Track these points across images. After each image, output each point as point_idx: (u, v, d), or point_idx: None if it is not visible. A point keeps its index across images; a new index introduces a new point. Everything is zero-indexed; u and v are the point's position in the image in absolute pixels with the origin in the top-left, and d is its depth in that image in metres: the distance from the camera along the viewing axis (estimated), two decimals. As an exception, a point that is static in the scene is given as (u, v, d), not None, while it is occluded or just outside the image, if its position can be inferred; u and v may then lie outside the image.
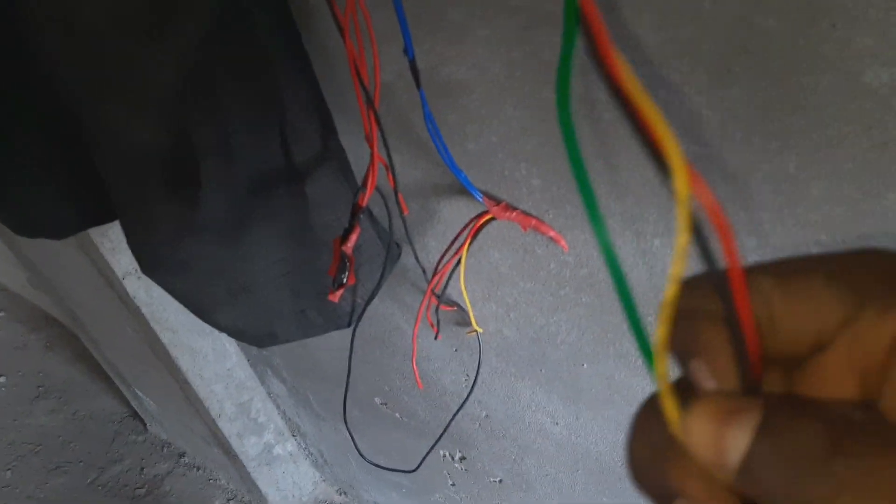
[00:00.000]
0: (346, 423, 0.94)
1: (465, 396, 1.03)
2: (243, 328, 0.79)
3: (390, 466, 1.48)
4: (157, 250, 0.66)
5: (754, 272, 0.20)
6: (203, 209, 0.66)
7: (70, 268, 1.37)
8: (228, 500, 1.97)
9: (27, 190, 0.65)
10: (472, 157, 0.67)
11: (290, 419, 1.70)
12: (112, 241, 1.15)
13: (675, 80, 0.48)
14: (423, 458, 0.97)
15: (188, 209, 0.64)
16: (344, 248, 0.62)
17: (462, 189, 0.72)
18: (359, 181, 0.72)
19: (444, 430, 0.95)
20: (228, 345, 1.47)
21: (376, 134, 0.60)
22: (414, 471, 1.01)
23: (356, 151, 0.76)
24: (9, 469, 2.16)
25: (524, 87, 0.58)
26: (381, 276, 0.79)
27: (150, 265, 0.67)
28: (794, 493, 0.16)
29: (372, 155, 0.62)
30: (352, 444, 1.53)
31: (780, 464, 0.17)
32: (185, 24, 0.46)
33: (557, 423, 0.91)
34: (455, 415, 0.94)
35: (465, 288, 0.79)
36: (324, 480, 1.92)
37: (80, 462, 2.14)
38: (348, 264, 0.62)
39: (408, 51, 0.57)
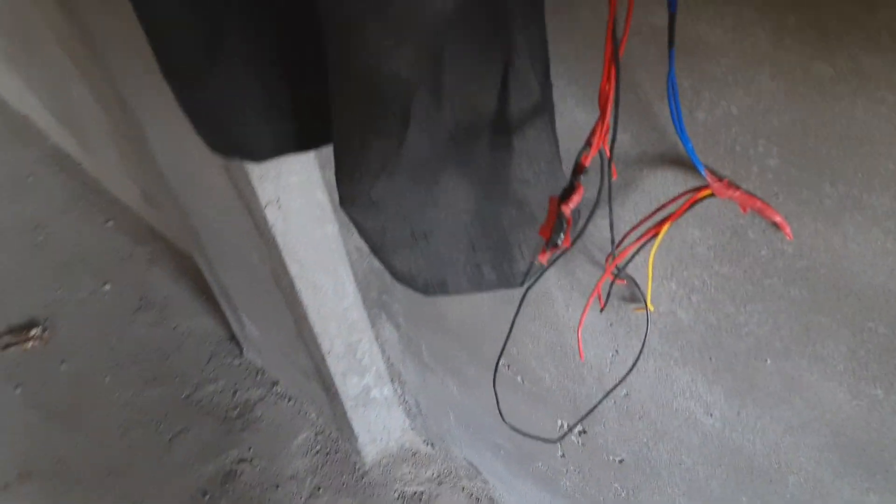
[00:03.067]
0: (494, 383, 0.91)
1: (606, 371, 1.00)
2: (416, 273, 0.76)
3: (496, 430, 1.47)
4: (357, 185, 0.64)
5: None
6: (406, 149, 0.63)
7: (206, 188, 1.38)
8: (317, 433, 2.00)
9: (238, 105, 0.64)
10: (698, 126, 0.62)
11: (392, 365, 1.69)
12: (261, 169, 1.14)
13: None
14: (566, 432, 0.93)
15: (394, 146, 0.61)
16: (563, 207, 0.58)
17: (675, 160, 0.68)
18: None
19: (592, 407, 0.92)
20: (348, 285, 1.47)
21: (613, 90, 0.56)
22: (556, 441, 0.98)
23: (565, 111, 0.72)
24: (108, 374, 2.23)
25: (790, 56, 0.53)
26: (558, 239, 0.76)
27: (348, 199, 0.65)
28: None
29: (604, 112, 0.57)
30: (455, 399, 1.52)
31: None
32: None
33: (711, 415, 0.87)
34: (612, 389, 0.90)
35: (654, 264, 0.74)
36: (412, 429, 1.93)
37: (176, 377, 2.19)
38: (566, 226, 0.58)
39: (671, 2, 0.53)
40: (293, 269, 1.32)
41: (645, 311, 0.82)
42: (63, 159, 3.05)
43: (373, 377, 1.72)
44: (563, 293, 0.95)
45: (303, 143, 0.70)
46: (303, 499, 1.87)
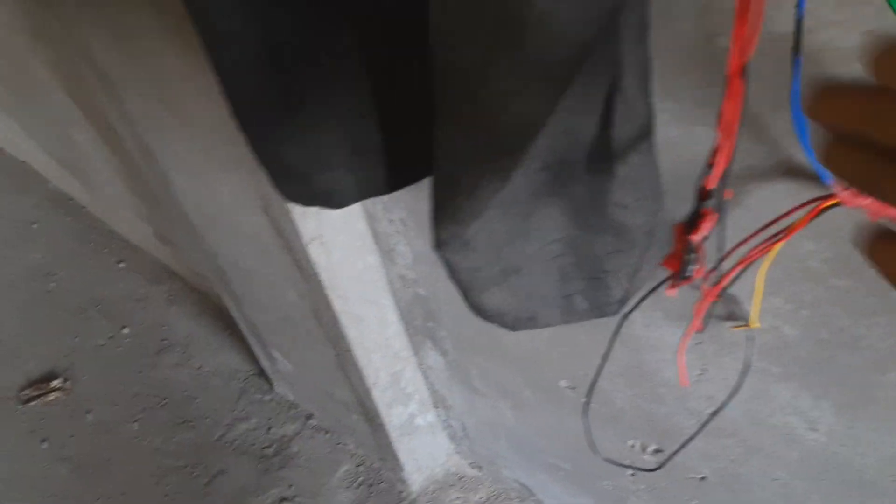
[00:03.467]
0: (585, 414, 0.86)
1: (690, 391, 0.96)
2: (506, 311, 0.72)
3: (552, 451, 1.42)
4: (457, 227, 0.59)
5: None
6: (510, 185, 0.59)
7: (240, 229, 1.33)
8: (357, 465, 1.95)
9: (322, 156, 0.59)
10: (816, 135, 0.58)
11: (436, 391, 1.65)
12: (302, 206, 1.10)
13: None
14: (670, 457, 0.89)
15: (501, 184, 0.57)
16: (692, 237, 0.53)
17: (788, 172, 0.63)
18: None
19: (693, 434, 0.87)
20: (390, 314, 1.42)
21: (740, 105, 0.51)
22: (654, 470, 0.94)
23: (659, 127, 0.68)
24: (136, 421, 2.17)
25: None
26: (654, 262, 0.72)
27: (444, 241, 0.61)
28: None
29: (729, 133, 0.53)
30: (508, 421, 1.47)
31: None
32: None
33: (816, 430, 0.83)
34: (715, 412, 0.86)
35: (765, 280, 0.70)
36: (457, 453, 1.88)
37: (207, 418, 2.14)
38: (696, 256, 0.54)
39: (800, 3, 0.48)
40: (337, 304, 1.28)
41: (745, 330, 0.78)
42: (66, 203, 2.99)
43: (416, 405, 1.67)
44: (642, 313, 0.91)
45: (388, 186, 0.66)
46: (351, 533, 1.82)
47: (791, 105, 0.54)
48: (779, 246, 0.65)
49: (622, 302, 0.74)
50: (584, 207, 0.66)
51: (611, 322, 0.97)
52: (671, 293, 0.59)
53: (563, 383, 1.19)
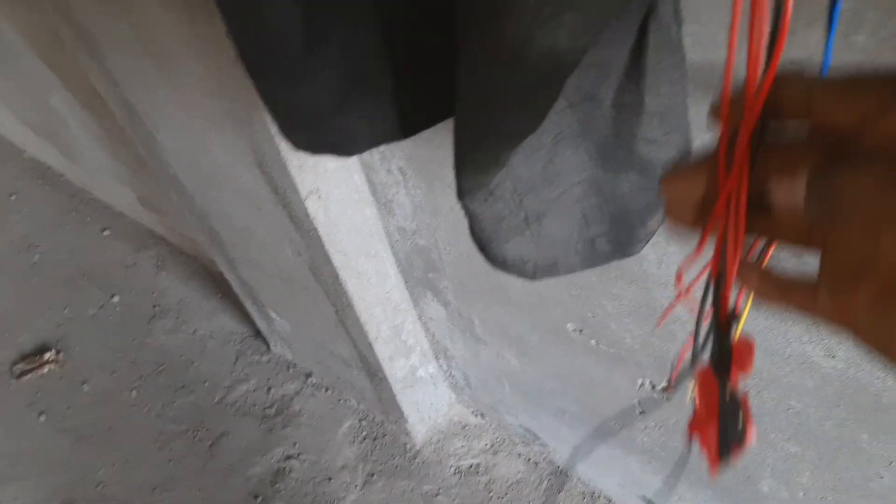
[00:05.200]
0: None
1: (704, 325, 0.95)
2: (527, 259, 0.70)
3: (559, 394, 1.42)
4: (481, 175, 0.57)
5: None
6: (532, 129, 0.57)
7: (231, 186, 1.30)
8: (361, 420, 1.95)
9: (336, 101, 0.57)
10: (856, 51, 0.56)
11: (437, 342, 1.64)
12: (300, 159, 1.07)
13: None
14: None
15: (532, 128, 0.55)
16: (732, 385, 0.39)
17: None
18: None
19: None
20: (389, 267, 1.41)
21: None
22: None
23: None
24: (133, 389, 2.16)
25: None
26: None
27: (468, 190, 0.59)
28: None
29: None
30: (513, 368, 1.47)
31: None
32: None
33: (834, 357, 0.83)
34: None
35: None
36: (459, 402, 1.89)
37: (205, 381, 2.13)
38: (742, 419, 0.39)
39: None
40: (336, 259, 1.26)
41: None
42: (45, 172, 2.93)
43: (418, 357, 1.67)
44: (655, 249, 0.90)
45: (402, 131, 0.63)
46: (358, 487, 1.83)
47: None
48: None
49: (645, 241, 0.73)
50: (610, 146, 0.64)
51: (635, 262, 0.96)
52: (712, 475, 0.46)
53: (570, 326, 1.18)
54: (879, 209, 0.23)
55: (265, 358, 2.15)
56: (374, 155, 1.16)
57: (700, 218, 0.33)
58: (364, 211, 1.27)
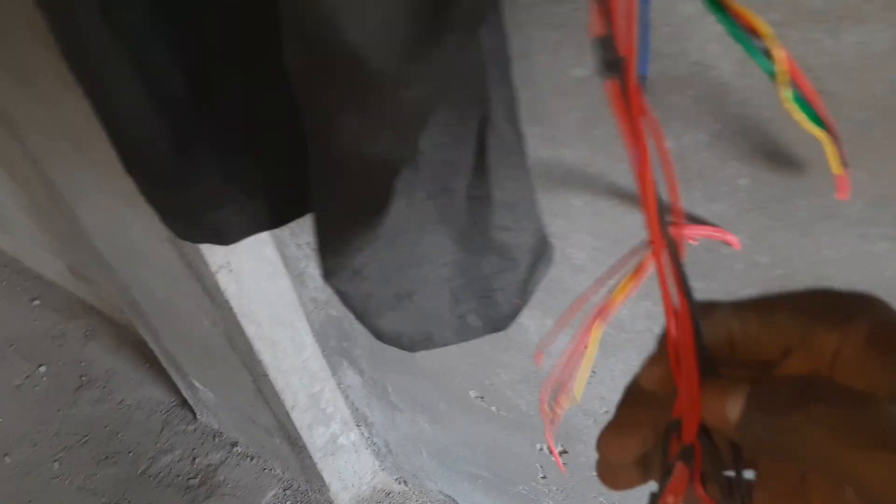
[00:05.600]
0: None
1: (584, 392, 1.01)
2: (402, 333, 0.76)
3: (471, 460, 1.47)
4: (341, 258, 0.63)
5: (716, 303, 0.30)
6: (389, 218, 0.63)
7: (149, 260, 1.34)
8: (284, 489, 1.96)
9: (209, 196, 0.62)
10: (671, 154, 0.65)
11: (357, 409, 1.68)
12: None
13: None
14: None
15: (378, 218, 0.61)
16: None
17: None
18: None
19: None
20: (305, 336, 1.45)
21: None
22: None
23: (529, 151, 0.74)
24: (56, 460, 2.14)
25: (754, 85, 0.55)
26: (542, 277, 0.77)
27: (332, 272, 0.65)
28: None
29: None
30: (427, 435, 1.51)
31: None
32: (449, 39, 0.43)
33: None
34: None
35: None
36: (383, 469, 1.91)
37: (130, 452, 2.12)
38: None
39: (643, 66, 0.52)
40: (249, 329, 1.30)
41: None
42: (-25, 242, 2.92)
43: (338, 424, 1.70)
44: (535, 322, 0.96)
45: (275, 221, 0.69)
46: (281, 558, 1.83)
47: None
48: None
49: (513, 317, 0.80)
50: (469, 232, 0.71)
51: (512, 331, 1.03)
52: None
53: (472, 393, 1.24)
54: (812, 454, 0.23)
55: (191, 427, 2.15)
56: (285, 231, 1.21)
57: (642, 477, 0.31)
58: (278, 283, 1.32)
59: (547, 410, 0.84)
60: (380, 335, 0.76)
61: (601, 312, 0.72)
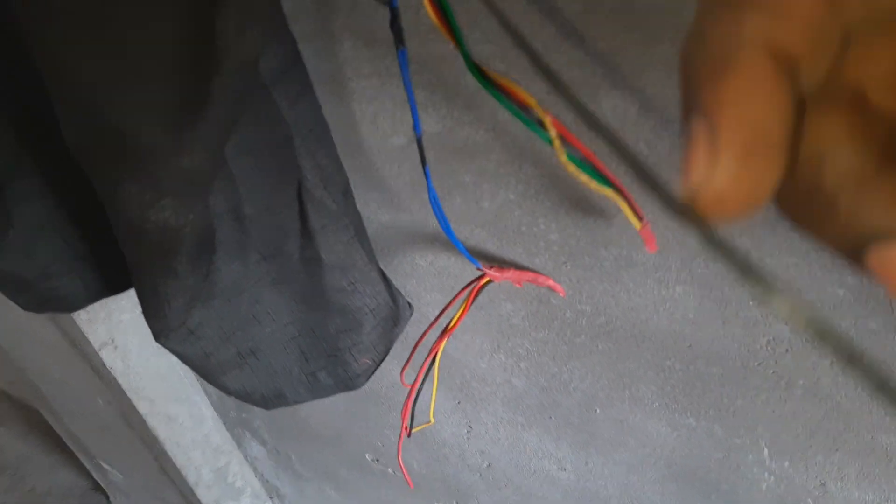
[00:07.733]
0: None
1: (466, 447, 1.03)
2: (251, 391, 0.77)
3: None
4: (168, 320, 0.65)
5: None
6: (215, 278, 0.65)
7: (36, 340, 1.33)
8: (202, 569, 1.90)
9: (40, 265, 0.63)
10: (486, 214, 0.68)
11: (267, 481, 1.65)
12: (88, 313, 1.12)
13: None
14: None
15: (201, 279, 0.63)
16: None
17: (448, 262, 0.73)
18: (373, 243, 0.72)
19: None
20: (205, 409, 1.43)
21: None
22: None
23: (370, 215, 0.77)
24: (-38, 556, 2.05)
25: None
26: (393, 337, 0.79)
27: (162, 333, 0.66)
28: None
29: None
30: (334, 501, 1.50)
31: None
32: (213, 111, 0.46)
33: (565, 469, 0.92)
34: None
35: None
36: (301, 541, 1.88)
37: (41, 542, 2.04)
38: None
39: (416, 127, 0.57)
40: (142, 406, 1.29)
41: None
42: None
43: (249, 498, 1.67)
44: (410, 380, 0.98)
45: (114, 287, 0.71)
46: None
47: (433, 208, 0.63)
48: (456, 318, 0.75)
49: (365, 375, 0.81)
50: (308, 292, 0.73)
51: (394, 391, 1.04)
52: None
53: (368, 456, 1.24)
54: None
55: (105, 511, 2.09)
56: (171, 304, 1.22)
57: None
58: (170, 357, 1.31)
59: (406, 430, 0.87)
60: (228, 392, 0.77)
61: (446, 333, 0.76)
